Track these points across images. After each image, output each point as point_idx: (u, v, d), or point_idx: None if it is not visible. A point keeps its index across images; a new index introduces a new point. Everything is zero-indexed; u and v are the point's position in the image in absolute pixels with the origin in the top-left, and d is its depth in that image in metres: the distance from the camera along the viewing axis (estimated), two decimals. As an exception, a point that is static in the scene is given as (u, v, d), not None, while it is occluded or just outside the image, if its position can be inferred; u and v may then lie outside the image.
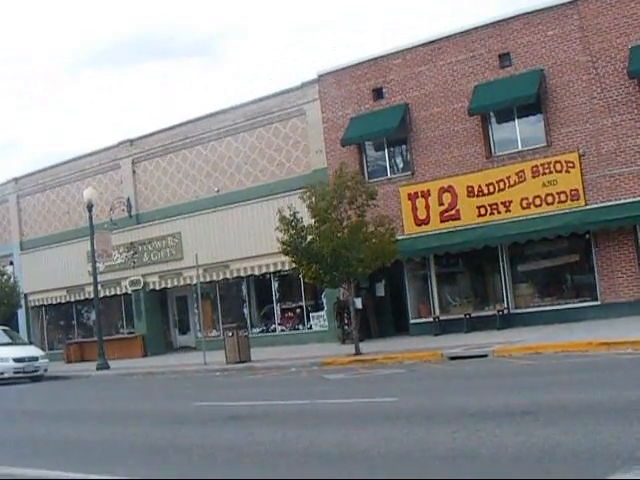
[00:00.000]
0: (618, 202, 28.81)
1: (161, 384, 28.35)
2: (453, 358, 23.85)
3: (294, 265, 30.13)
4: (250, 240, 37.81)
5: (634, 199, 28.53)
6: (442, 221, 32.37)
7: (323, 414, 15.18)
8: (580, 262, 30.89)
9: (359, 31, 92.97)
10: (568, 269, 31.36)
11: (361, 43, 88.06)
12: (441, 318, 32.52)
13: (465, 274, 34.20)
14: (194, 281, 36.36)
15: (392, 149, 34.88)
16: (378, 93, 34.37)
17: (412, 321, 33.91)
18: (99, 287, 39.38)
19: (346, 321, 33.27)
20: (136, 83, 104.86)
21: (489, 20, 31.96)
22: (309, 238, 28.03)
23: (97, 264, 38.75)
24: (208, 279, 39.72)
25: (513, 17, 31.31)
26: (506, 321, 30.69)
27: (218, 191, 39.76)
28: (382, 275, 33.68)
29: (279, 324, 39.32)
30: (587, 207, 29.39)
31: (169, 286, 42.63)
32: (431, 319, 32.75)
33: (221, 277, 39.92)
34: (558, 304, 30.61)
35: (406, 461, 9.97)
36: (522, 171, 30.57)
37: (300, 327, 38.52)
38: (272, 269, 37.70)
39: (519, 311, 31.30)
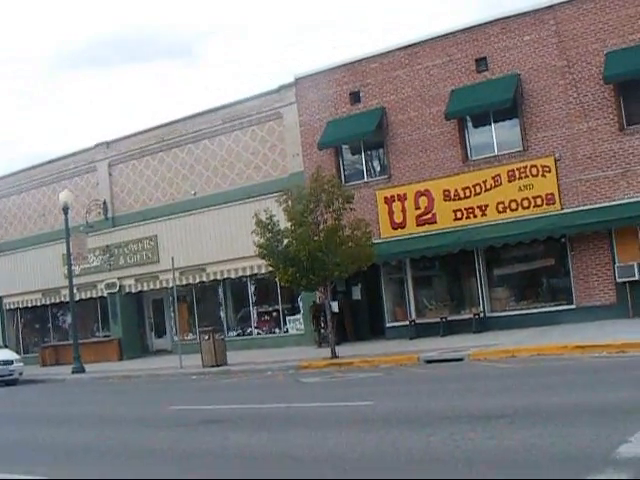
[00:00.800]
0: (593, 206, 28.93)
1: (137, 388, 28.26)
2: (429, 362, 23.88)
3: (270, 268, 30.12)
4: (227, 243, 37.77)
5: (609, 203, 28.66)
6: (418, 225, 32.40)
7: (299, 418, 15.17)
8: (556, 266, 31.00)
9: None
10: (544, 273, 31.45)
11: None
12: (417, 322, 32.55)
13: (441, 278, 34.25)
14: (170, 284, 36.24)
15: (369, 153, 34.92)
16: (355, 97, 34.39)
17: (388, 324, 33.94)
18: (75, 290, 39.23)
19: (322, 324, 33.24)
20: (118, 85, 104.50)
21: (466, 25, 32.01)
22: (285, 241, 28.02)
23: (73, 267, 38.64)
24: (184, 282, 39.65)
25: (490, 22, 31.40)
26: (482, 325, 30.76)
27: (195, 194, 39.69)
28: (358, 279, 33.67)
29: (255, 327, 39.26)
30: (563, 211, 29.50)
31: (145, 289, 42.50)
32: (407, 322, 32.76)
33: (197, 280, 39.85)
34: (534, 308, 30.70)
35: (381, 464, 9.98)
36: (498, 175, 30.66)
37: (276, 330, 38.48)
38: (249, 272, 37.66)
39: (495, 315, 31.38)
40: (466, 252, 31.33)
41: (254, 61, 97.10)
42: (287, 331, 37.95)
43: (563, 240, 29.95)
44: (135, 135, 42.87)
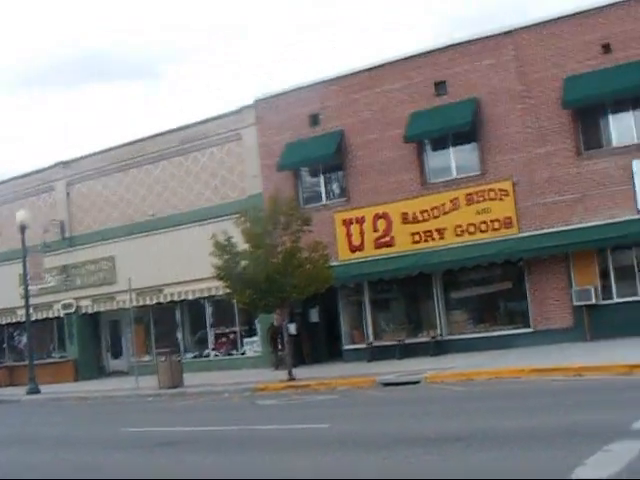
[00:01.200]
0: (551, 230, 29.09)
1: (92, 409, 28.03)
2: (386, 384, 23.85)
3: (228, 290, 29.97)
4: (184, 264, 37.51)
5: (566, 227, 28.83)
6: (376, 247, 32.42)
7: (255, 440, 15.09)
8: (513, 289, 31.09)
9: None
10: (501, 296, 31.56)
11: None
12: (375, 344, 32.50)
13: (399, 300, 34.22)
14: (127, 305, 35.97)
15: (328, 175, 34.92)
16: (314, 119, 34.40)
17: (346, 347, 33.86)
18: (31, 310, 38.82)
19: (280, 347, 33.12)
20: (81, 104, 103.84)
21: (425, 48, 32.17)
22: (243, 263, 27.94)
23: (29, 287, 38.26)
24: (141, 303, 39.30)
25: (449, 46, 31.57)
26: (439, 347, 30.78)
27: (153, 215, 39.50)
28: (316, 301, 33.56)
29: (213, 349, 39.08)
30: (520, 235, 29.64)
31: (102, 310, 42.18)
32: (365, 345, 32.72)
33: (154, 301, 39.59)
34: (491, 331, 30.74)
35: (337, 487, 9.94)
36: (456, 199, 30.78)
37: (234, 352, 38.30)
38: (206, 294, 37.48)
39: (452, 337, 31.40)
40: (424, 275, 31.36)
41: (219, 86, 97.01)
42: (244, 353, 37.80)
43: (520, 264, 30.08)
44: (93, 155, 42.58)
